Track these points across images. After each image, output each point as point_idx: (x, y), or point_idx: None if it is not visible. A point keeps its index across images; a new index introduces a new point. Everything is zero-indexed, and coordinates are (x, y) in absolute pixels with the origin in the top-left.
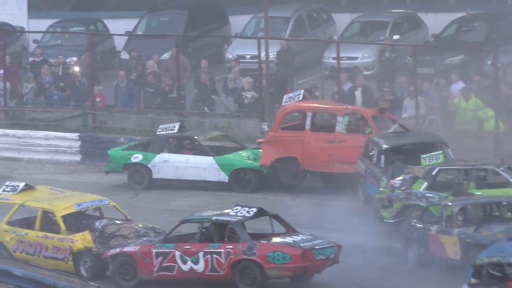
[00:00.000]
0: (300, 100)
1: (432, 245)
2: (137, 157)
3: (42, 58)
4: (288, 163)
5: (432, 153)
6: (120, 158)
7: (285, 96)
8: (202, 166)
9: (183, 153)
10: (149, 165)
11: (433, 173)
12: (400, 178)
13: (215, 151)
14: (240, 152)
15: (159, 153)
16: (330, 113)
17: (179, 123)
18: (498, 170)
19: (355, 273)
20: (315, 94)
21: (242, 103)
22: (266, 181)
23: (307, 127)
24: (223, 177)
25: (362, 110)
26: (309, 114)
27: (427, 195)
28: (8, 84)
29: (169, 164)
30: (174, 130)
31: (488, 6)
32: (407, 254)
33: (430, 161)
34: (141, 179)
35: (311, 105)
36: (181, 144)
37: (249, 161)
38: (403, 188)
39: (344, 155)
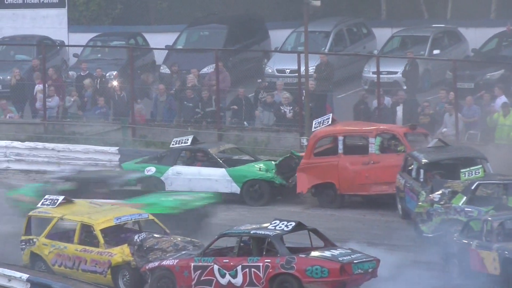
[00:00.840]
0: (329, 124)
1: (472, 260)
2: (150, 170)
3: (87, 72)
4: (325, 188)
5: (472, 168)
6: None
7: (314, 121)
8: (214, 178)
9: (196, 165)
10: (162, 178)
11: (473, 187)
12: (439, 192)
13: (228, 163)
14: (252, 163)
15: (172, 165)
16: (362, 135)
17: (193, 135)
18: None
19: None
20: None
21: (280, 117)
22: (278, 193)
23: (340, 151)
24: (235, 188)
25: (393, 129)
26: (340, 138)
27: (466, 209)
28: (57, 98)
29: (182, 176)
30: (187, 142)
31: None
32: (448, 268)
33: (469, 176)
34: None
35: (342, 128)
36: (194, 156)
37: (261, 172)
38: (442, 203)
39: (380, 176)
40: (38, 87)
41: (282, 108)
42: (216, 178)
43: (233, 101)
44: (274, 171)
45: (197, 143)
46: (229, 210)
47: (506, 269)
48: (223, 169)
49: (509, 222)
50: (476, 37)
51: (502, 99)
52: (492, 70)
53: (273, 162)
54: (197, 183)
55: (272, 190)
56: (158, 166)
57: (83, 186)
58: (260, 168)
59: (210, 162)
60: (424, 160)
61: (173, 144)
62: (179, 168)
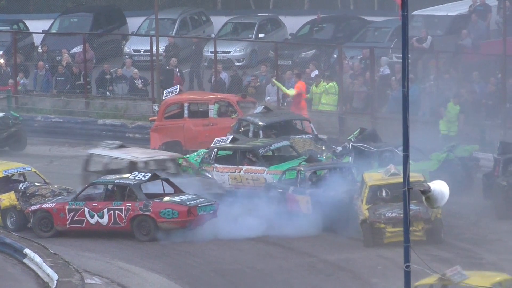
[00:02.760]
0: (177, 94)
1: (289, 203)
2: None
3: None
4: (174, 145)
5: None
6: None
7: (165, 91)
8: None
9: None
10: None
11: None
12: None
13: None
14: None
15: None
16: (203, 102)
17: None
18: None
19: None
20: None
21: (135, 89)
22: None
23: (186, 115)
24: None
25: (228, 97)
26: (186, 104)
27: None
28: None
29: None
30: None
31: (335, 10)
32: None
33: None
34: None
35: (187, 97)
36: None
37: None
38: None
39: (218, 135)
40: None
41: (136, 81)
42: None
43: (99, 75)
44: None
45: None
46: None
47: (316, 210)
48: None
49: (318, 171)
50: (293, 23)
51: (315, 72)
52: (306, 50)
53: None
54: None
55: None
56: None
57: (237, 154)
58: None
59: None
60: (261, 123)
61: None
62: None
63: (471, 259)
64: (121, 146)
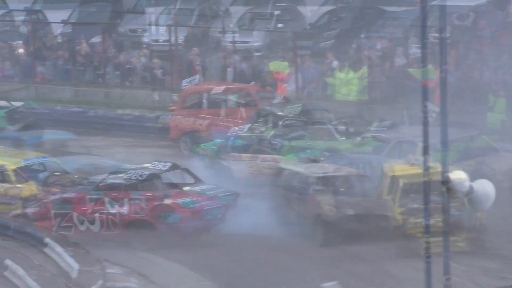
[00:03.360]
0: (196, 84)
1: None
2: None
3: None
4: (193, 136)
5: None
6: None
7: (183, 81)
8: None
9: None
10: None
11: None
12: None
13: None
14: None
15: None
16: (222, 92)
17: None
18: None
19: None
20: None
21: (155, 78)
22: None
23: (205, 105)
24: None
25: (248, 87)
26: (205, 95)
27: None
28: None
29: None
30: None
31: (354, 0)
32: None
33: None
34: None
35: (206, 87)
36: None
37: None
38: None
39: (237, 125)
40: None
41: (155, 71)
42: None
43: (116, 66)
44: None
45: None
46: (115, 153)
47: None
48: None
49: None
50: (311, 13)
51: (335, 62)
52: (325, 40)
53: None
54: None
55: None
56: None
57: (254, 142)
58: None
59: None
60: (280, 113)
61: None
62: None
63: None
64: (313, 161)
